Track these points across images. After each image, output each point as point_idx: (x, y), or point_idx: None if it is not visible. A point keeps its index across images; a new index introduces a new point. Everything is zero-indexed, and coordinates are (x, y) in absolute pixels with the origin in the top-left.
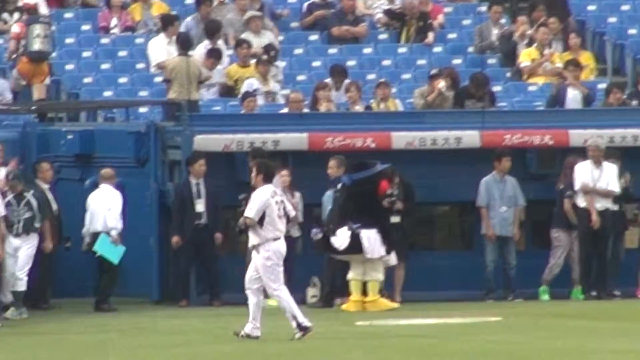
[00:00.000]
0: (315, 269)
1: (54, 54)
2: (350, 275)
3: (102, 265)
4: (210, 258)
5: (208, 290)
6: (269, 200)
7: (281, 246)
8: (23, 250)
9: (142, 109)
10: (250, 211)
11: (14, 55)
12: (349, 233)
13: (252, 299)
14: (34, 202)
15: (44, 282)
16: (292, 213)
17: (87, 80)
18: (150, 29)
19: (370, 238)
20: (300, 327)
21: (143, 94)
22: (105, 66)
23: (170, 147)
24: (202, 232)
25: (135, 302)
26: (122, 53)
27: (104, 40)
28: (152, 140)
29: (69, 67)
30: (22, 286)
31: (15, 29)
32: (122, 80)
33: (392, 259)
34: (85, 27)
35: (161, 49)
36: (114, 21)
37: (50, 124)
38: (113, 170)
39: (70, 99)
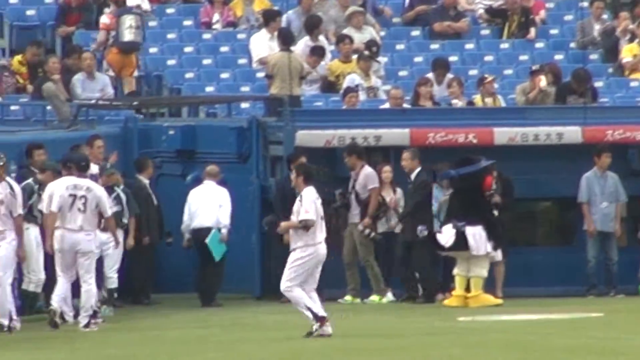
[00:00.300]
0: (417, 264)
1: (155, 49)
2: (456, 270)
3: (205, 261)
4: None
5: None
6: (316, 202)
7: (320, 250)
8: (111, 247)
9: (244, 105)
10: (308, 213)
11: (102, 47)
12: (454, 230)
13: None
14: (123, 197)
15: (145, 277)
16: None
17: (188, 75)
18: (252, 25)
19: (476, 235)
20: (317, 317)
21: (245, 89)
22: (207, 62)
23: (272, 143)
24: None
25: (237, 298)
26: (224, 48)
27: (206, 36)
28: (254, 136)
29: (171, 62)
30: (112, 284)
31: (105, 20)
32: (224, 75)
33: (498, 254)
34: (187, 23)
35: (263, 45)
36: (215, 17)
37: (151, 119)
38: (218, 167)
39: (172, 94)
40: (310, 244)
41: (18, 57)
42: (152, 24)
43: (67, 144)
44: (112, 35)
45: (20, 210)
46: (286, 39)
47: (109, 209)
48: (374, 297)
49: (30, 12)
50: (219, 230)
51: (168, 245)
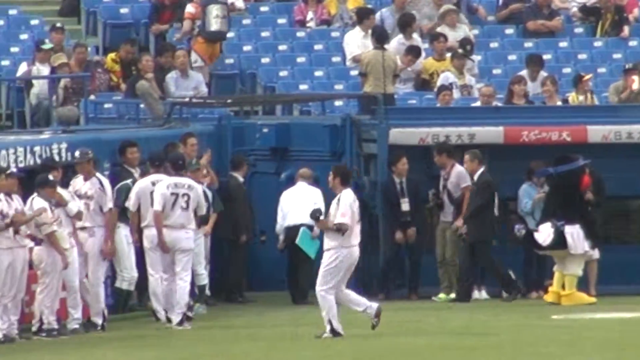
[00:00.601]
0: (510, 262)
1: (249, 47)
2: (555, 267)
3: (297, 259)
4: (414, 253)
5: (407, 284)
6: (353, 206)
7: (354, 253)
8: (198, 245)
9: (338, 102)
10: (344, 217)
11: (187, 37)
12: (553, 229)
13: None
14: (209, 194)
15: (239, 275)
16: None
17: (282, 73)
18: (346, 22)
19: (574, 234)
20: (333, 332)
21: (339, 87)
22: (301, 59)
23: (365, 141)
24: (406, 229)
25: None
26: (318, 46)
27: (300, 34)
28: (348, 134)
29: (265, 60)
30: (203, 280)
31: (190, 9)
32: (318, 73)
33: (595, 253)
34: (281, 21)
35: (357, 43)
36: (309, 14)
37: (245, 117)
38: (311, 170)
39: (266, 92)
40: (345, 246)
41: (112, 55)
42: (246, 22)
43: (161, 142)
44: (197, 24)
45: (110, 205)
46: (380, 37)
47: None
48: (441, 295)
49: (123, 10)
50: (310, 228)
51: (261, 243)
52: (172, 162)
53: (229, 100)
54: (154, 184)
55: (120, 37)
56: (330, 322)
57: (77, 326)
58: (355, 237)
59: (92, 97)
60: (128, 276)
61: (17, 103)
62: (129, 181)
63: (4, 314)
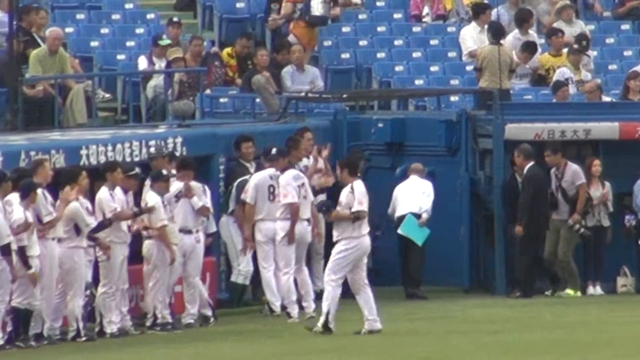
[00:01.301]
0: (625, 258)
1: (365, 42)
2: None
3: (408, 250)
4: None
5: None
6: (367, 196)
7: (365, 242)
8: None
9: (453, 98)
10: (362, 205)
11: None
12: None
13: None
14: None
15: None
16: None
17: (398, 68)
18: (462, 18)
19: None
20: (325, 326)
21: (454, 82)
22: (416, 54)
23: (481, 136)
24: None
25: (445, 291)
26: (434, 42)
27: (416, 29)
28: (463, 129)
29: (380, 55)
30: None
31: None
32: (434, 68)
33: None
34: (397, 16)
35: (473, 38)
36: (425, 9)
37: (361, 112)
38: (422, 164)
39: (382, 87)
40: (354, 236)
41: (227, 50)
42: (362, 16)
43: (276, 136)
44: (298, 8)
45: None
46: (496, 32)
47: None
48: (569, 291)
49: (239, 5)
50: (416, 215)
51: (377, 238)
52: (287, 156)
53: (344, 95)
54: (271, 177)
55: (236, 32)
56: (327, 315)
57: (192, 321)
58: (365, 227)
59: (207, 91)
60: (244, 270)
61: (133, 97)
62: (247, 177)
63: (116, 307)
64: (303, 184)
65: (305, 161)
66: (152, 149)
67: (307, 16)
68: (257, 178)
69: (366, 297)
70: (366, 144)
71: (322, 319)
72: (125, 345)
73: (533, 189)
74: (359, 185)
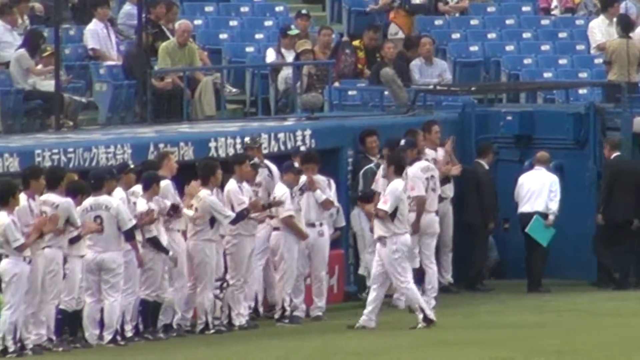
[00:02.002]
0: None
1: (493, 35)
2: None
3: (530, 246)
4: None
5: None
6: (402, 195)
7: (408, 240)
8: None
9: (582, 91)
10: (385, 204)
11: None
12: None
13: (373, 294)
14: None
15: (482, 262)
16: None
17: (527, 61)
18: (590, 11)
19: None
20: (426, 319)
21: (583, 75)
22: (545, 47)
23: (609, 129)
24: None
25: (571, 284)
26: (562, 34)
27: (544, 22)
28: (592, 122)
29: (509, 48)
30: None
31: None
32: (562, 61)
33: None
34: (526, 9)
35: (601, 31)
36: (554, 2)
37: (489, 105)
38: (548, 154)
39: (510, 80)
40: (397, 232)
41: (356, 42)
42: (490, 9)
43: (404, 129)
44: None
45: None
46: (625, 26)
47: None
48: None
49: None
50: (544, 216)
51: (505, 231)
52: (413, 147)
53: (473, 88)
54: None
55: (364, 24)
56: (422, 310)
57: (320, 313)
58: (403, 226)
59: (336, 84)
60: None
61: (262, 90)
62: (372, 165)
63: (245, 300)
64: (432, 176)
65: (433, 153)
66: (247, 139)
67: (407, 5)
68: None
69: (382, 294)
70: (494, 137)
71: (420, 316)
72: (253, 338)
73: (611, 179)
74: (394, 184)
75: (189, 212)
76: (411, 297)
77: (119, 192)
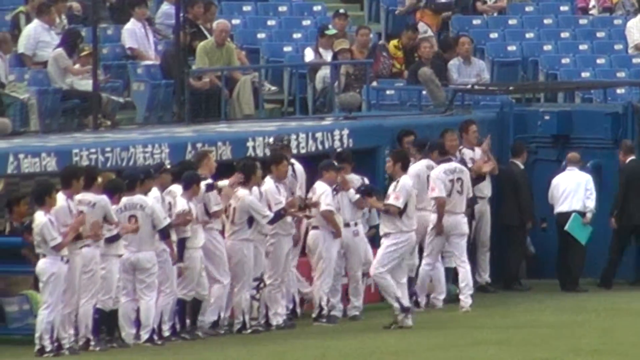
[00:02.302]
0: None
1: (531, 34)
2: None
3: (566, 246)
4: None
5: None
6: (412, 191)
7: (413, 237)
8: None
9: (620, 90)
10: (397, 200)
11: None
12: None
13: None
14: None
15: (518, 262)
16: None
17: (564, 61)
18: (628, 10)
19: None
20: (403, 308)
21: (620, 74)
22: (583, 47)
23: None
24: None
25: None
26: (600, 34)
27: (582, 21)
28: (630, 121)
29: (547, 47)
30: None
31: None
32: (600, 61)
33: None
34: (564, 8)
35: (639, 30)
36: (592, 2)
37: (527, 104)
38: (578, 154)
39: (548, 79)
40: (404, 230)
41: (394, 42)
42: (528, 9)
43: (442, 128)
44: None
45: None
46: None
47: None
48: None
49: None
50: (581, 214)
51: (543, 231)
52: (439, 148)
53: (511, 88)
54: (428, 168)
55: (401, 24)
56: (398, 300)
57: (357, 313)
58: (413, 223)
59: (374, 83)
60: (409, 263)
61: (300, 89)
62: None
63: (282, 299)
64: (459, 179)
65: (471, 153)
66: (271, 139)
67: (433, 4)
68: (415, 169)
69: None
70: (532, 137)
71: (397, 306)
72: (290, 337)
73: (625, 183)
74: (404, 181)
75: (225, 183)
76: (385, 285)
77: (154, 191)
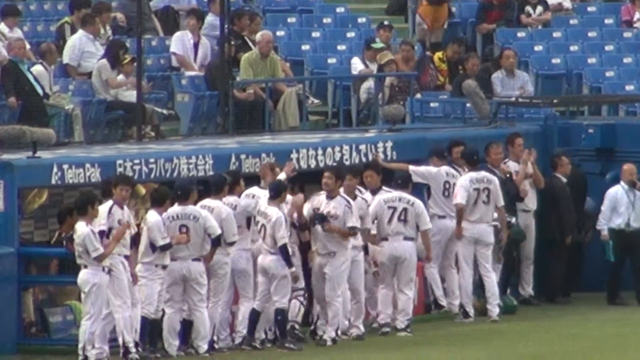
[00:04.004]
0: None
1: (575, 47)
2: None
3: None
4: None
5: None
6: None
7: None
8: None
9: None
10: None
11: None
12: None
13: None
14: None
15: (561, 276)
16: None
17: (609, 74)
18: None
19: None
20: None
21: None
22: (627, 60)
23: None
24: None
25: None
26: None
27: (627, 34)
28: None
29: (591, 60)
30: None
31: None
32: None
33: None
34: (609, 21)
35: None
36: (637, 15)
37: (571, 117)
38: (634, 166)
39: (592, 92)
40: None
41: (439, 54)
42: (573, 22)
43: (486, 141)
44: None
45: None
46: None
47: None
48: None
49: (452, 9)
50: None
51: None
52: (467, 157)
53: (555, 101)
54: (447, 174)
55: (448, 37)
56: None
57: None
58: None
59: (418, 95)
60: None
61: (344, 101)
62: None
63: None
64: (485, 189)
65: (516, 166)
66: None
67: None
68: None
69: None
70: (576, 149)
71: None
72: (335, 350)
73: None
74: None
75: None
76: (336, 310)
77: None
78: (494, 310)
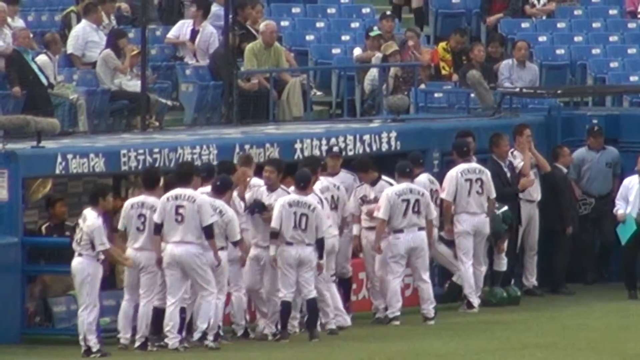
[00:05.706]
0: None
1: (580, 38)
2: None
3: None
4: None
5: None
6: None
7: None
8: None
9: None
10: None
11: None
12: None
13: None
14: None
15: (564, 266)
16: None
17: (613, 64)
18: None
19: None
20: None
21: None
22: (631, 51)
23: None
24: None
25: None
26: None
27: (631, 25)
28: None
29: (595, 51)
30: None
31: None
32: None
33: None
34: (613, 12)
35: None
36: None
37: (575, 108)
38: None
39: (596, 83)
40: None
41: (442, 45)
42: (577, 12)
43: (490, 132)
44: None
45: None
46: None
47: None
48: None
49: (455, 0)
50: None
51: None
52: (457, 149)
53: (559, 91)
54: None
55: (451, 27)
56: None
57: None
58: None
59: (422, 86)
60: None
61: (348, 91)
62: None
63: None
64: (478, 179)
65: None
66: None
67: None
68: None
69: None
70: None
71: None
72: (337, 340)
73: None
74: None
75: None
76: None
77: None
78: (475, 300)
